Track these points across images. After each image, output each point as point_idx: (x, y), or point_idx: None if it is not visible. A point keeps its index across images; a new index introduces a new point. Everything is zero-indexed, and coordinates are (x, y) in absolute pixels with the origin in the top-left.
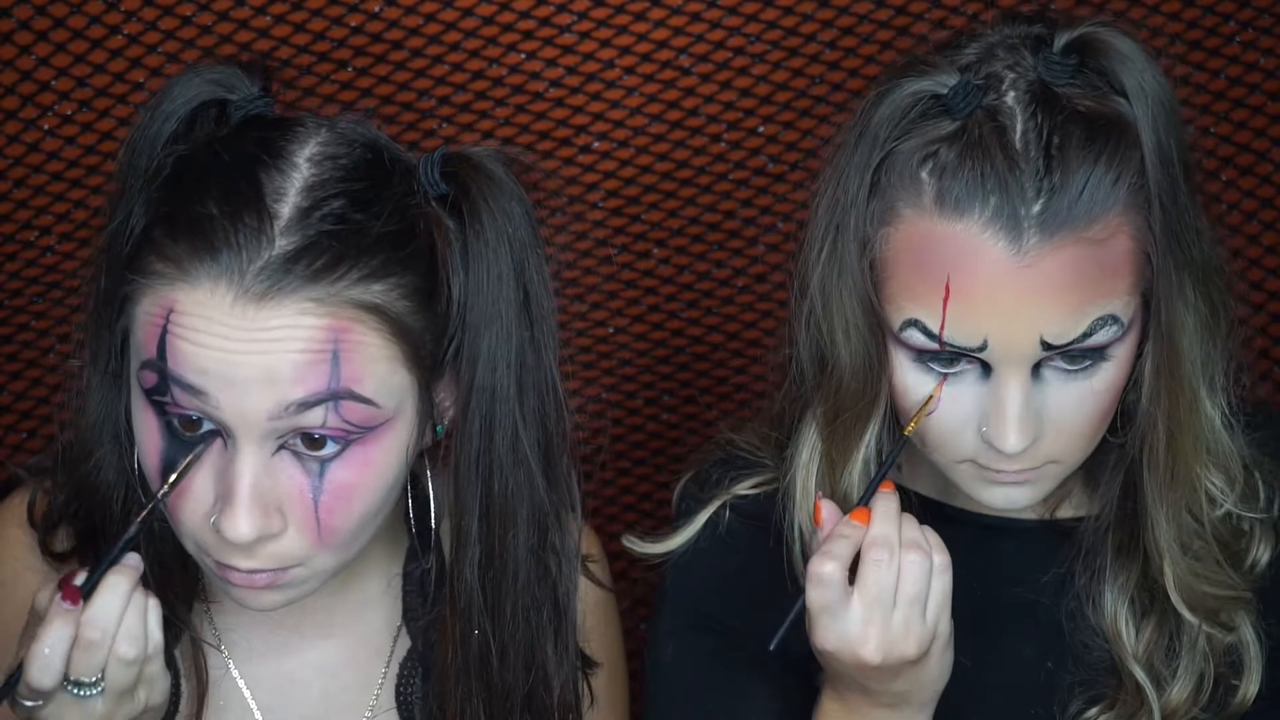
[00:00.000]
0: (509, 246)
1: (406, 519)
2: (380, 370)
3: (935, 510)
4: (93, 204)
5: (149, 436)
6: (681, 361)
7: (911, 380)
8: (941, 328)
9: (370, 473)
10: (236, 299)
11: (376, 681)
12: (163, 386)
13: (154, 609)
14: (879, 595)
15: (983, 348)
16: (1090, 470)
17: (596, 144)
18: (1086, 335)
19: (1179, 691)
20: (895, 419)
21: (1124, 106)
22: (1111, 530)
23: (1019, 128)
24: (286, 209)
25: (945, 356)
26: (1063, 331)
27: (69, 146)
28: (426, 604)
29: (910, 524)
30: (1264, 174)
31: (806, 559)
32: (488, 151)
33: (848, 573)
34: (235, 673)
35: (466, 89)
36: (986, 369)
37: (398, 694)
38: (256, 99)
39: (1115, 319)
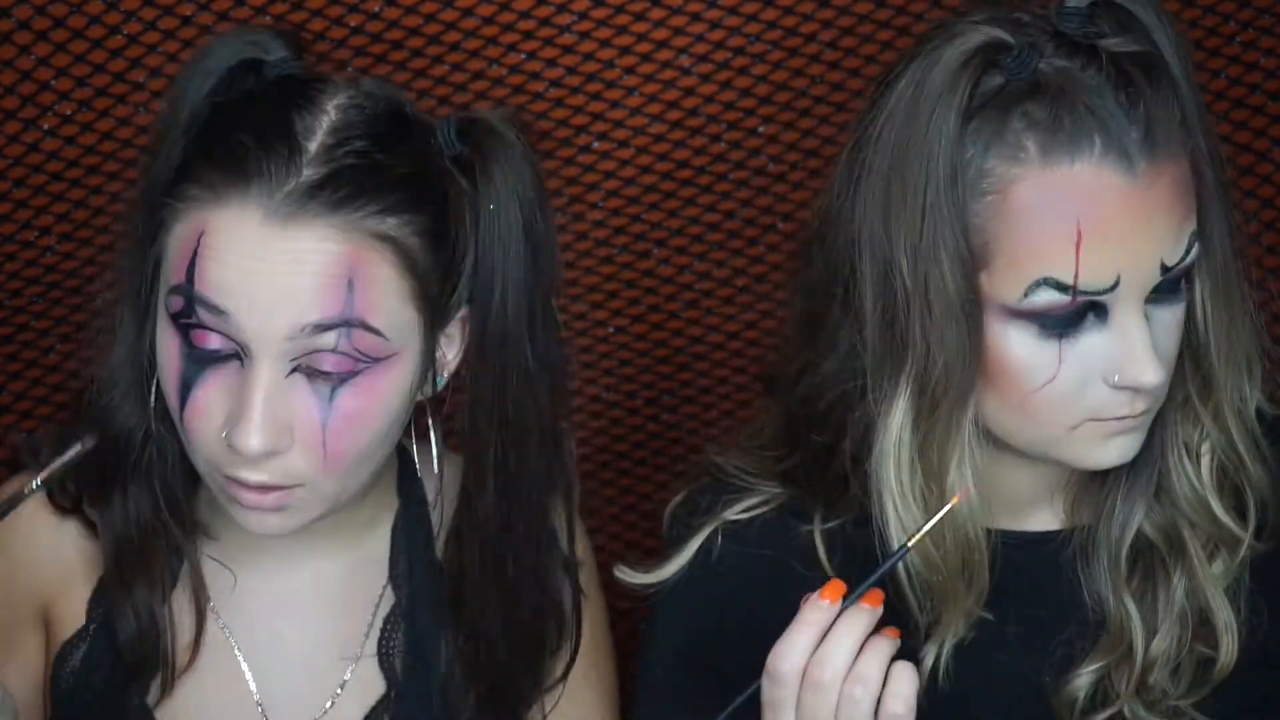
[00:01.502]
0: (518, 205)
1: (399, 483)
2: (391, 304)
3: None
4: (93, 204)
5: (170, 359)
6: (681, 361)
7: (1029, 353)
8: (1076, 276)
9: (376, 402)
10: (264, 219)
11: (361, 633)
12: (189, 309)
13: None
14: None
15: (1114, 286)
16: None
17: (596, 144)
18: (1186, 253)
19: (1159, 642)
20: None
21: (1146, 43)
22: (1128, 470)
23: (1084, 75)
24: (314, 145)
25: (1069, 315)
26: (1173, 251)
27: (69, 146)
28: (414, 562)
29: (872, 654)
30: (1264, 174)
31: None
32: (501, 113)
33: (805, 665)
34: (224, 628)
35: (466, 89)
36: (1101, 315)
37: (380, 646)
38: (290, 60)
39: (1199, 236)
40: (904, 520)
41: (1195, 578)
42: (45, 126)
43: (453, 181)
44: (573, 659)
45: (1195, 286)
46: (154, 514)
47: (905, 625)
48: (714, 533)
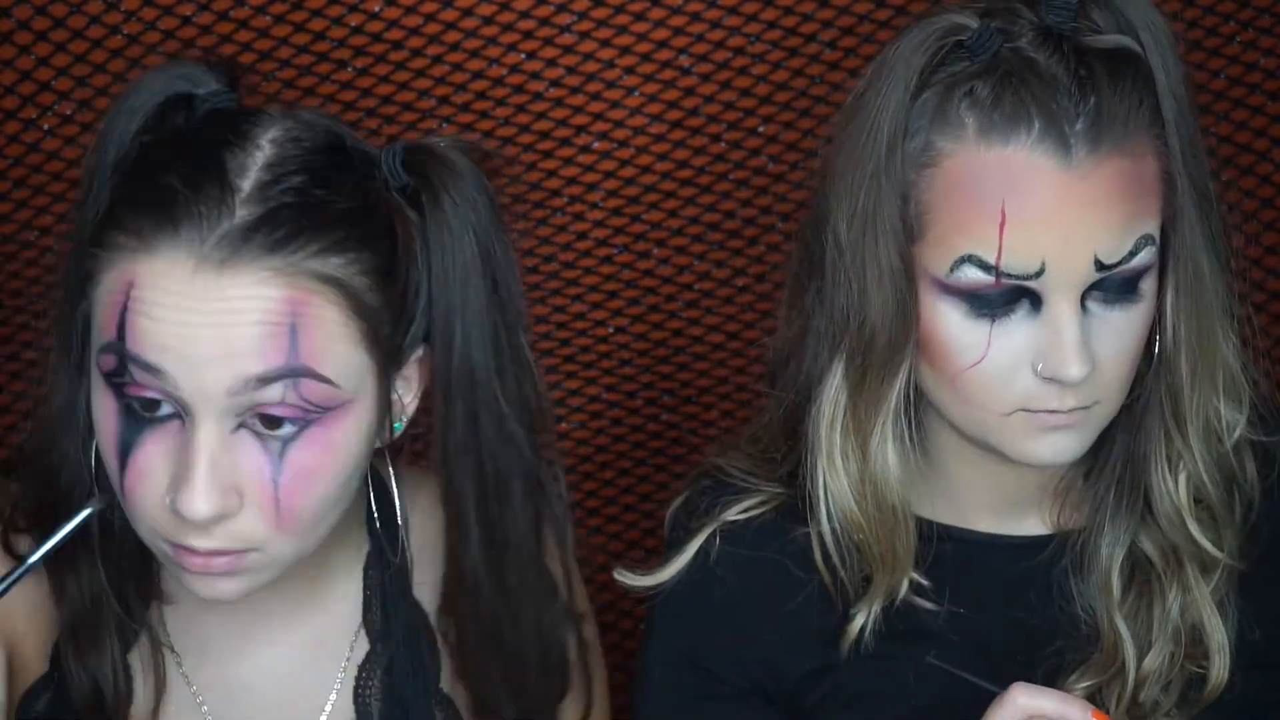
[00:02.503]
0: (474, 235)
1: (368, 521)
2: (339, 349)
3: (941, 533)
4: None
5: (107, 420)
6: (681, 361)
7: (958, 329)
8: (998, 256)
9: (331, 455)
10: (197, 267)
11: (333, 685)
12: (121, 368)
13: None
14: None
15: (1040, 272)
16: (1088, 473)
17: (596, 144)
18: (1132, 254)
19: (1152, 659)
20: (914, 386)
21: (1128, 41)
22: (1113, 487)
23: (1045, 61)
24: (248, 183)
25: (997, 297)
26: (1113, 249)
27: (69, 146)
28: (388, 607)
29: None
30: (1264, 174)
31: (825, 545)
32: (449, 141)
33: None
34: (186, 676)
35: (466, 89)
36: (1035, 304)
37: (356, 697)
38: (222, 93)
39: (1152, 239)
40: (829, 481)
41: (1190, 594)
42: (45, 126)
43: (400, 214)
44: (587, 711)
45: (1167, 295)
46: (105, 587)
47: (831, 586)
48: (712, 535)
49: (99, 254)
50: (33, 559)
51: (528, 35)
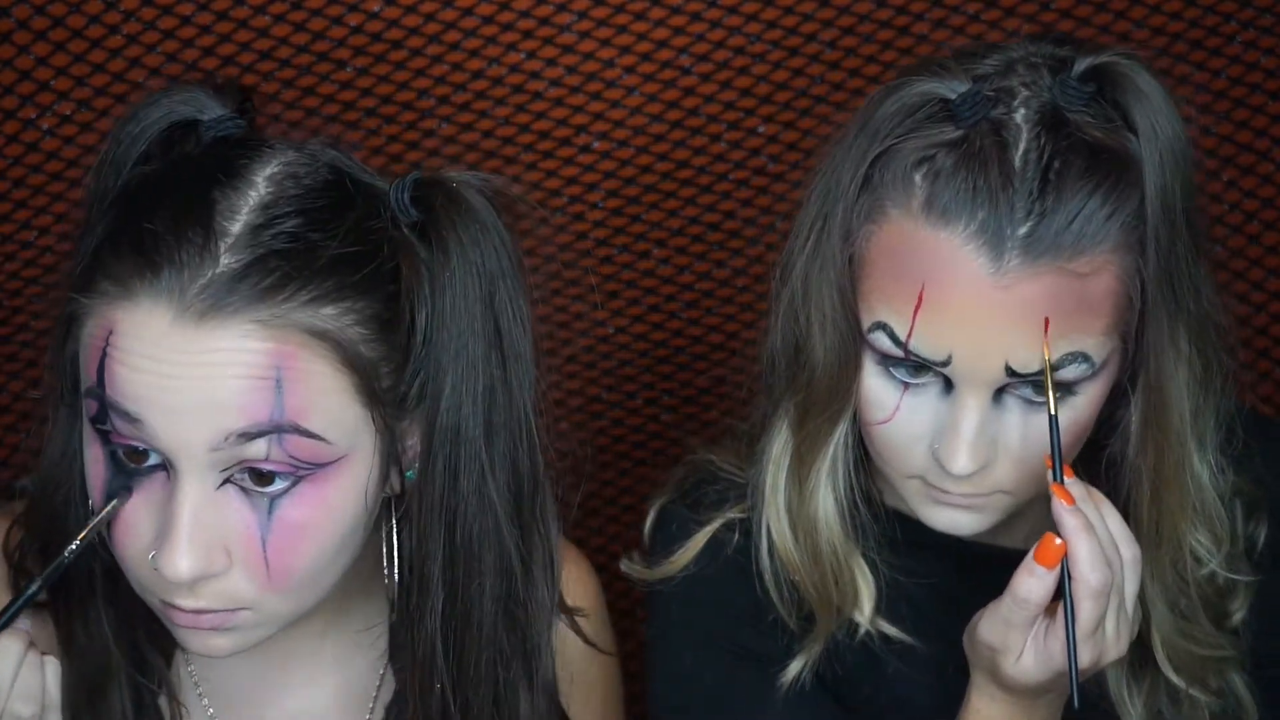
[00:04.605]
0: (478, 278)
1: (390, 563)
2: (330, 403)
3: (917, 536)
4: None
5: (95, 467)
6: (681, 361)
7: (873, 385)
8: (908, 336)
9: (323, 513)
10: (176, 318)
11: None
12: (103, 415)
13: (50, 665)
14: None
15: (946, 363)
16: None
17: (596, 144)
18: (1054, 369)
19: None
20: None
21: (1133, 143)
22: None
23: (1021, 145)
24: (237, 226)
25: (910, 365)
26: (1029, 360)
27: (68, 146)
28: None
29: (1110, 514)
30: (1264, 174)
31: (765, 582)
32: (466, 177)
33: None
34: (211, 715)
35: (466, 89)
36: (948, 386)
37: None
38: (228, 120)
39: (1085, 357)
40: (770, 518)
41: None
42: (44, 126)
43: (408, 254)
44: None
45: (1134, 407)
46: (109, 639)
47: (763, 617)
48: (725, 526)
49: (82, 300)
50: (39, 582)
51: (528, 35)
